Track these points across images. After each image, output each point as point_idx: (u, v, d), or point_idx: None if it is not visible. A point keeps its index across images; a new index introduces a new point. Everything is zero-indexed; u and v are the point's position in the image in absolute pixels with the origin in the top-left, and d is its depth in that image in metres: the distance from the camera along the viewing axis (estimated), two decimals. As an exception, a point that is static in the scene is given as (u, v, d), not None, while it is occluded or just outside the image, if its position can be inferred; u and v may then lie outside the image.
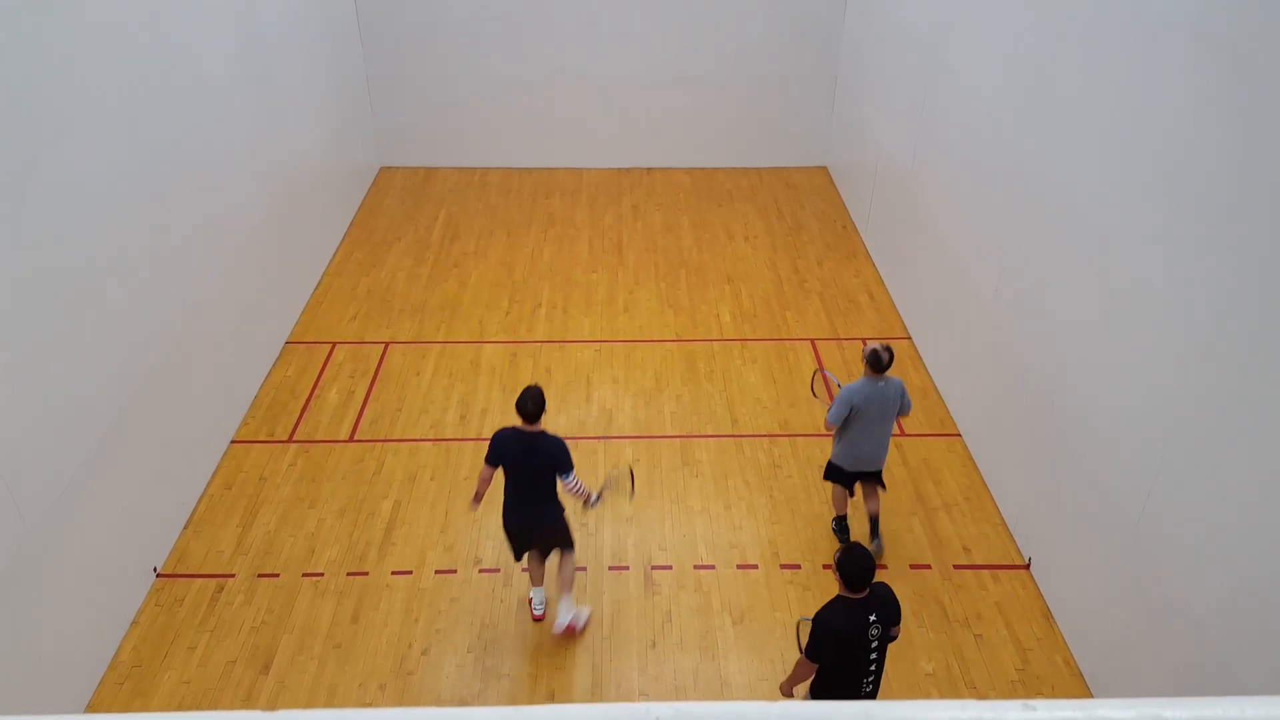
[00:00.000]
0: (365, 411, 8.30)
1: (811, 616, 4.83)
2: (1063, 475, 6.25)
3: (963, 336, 7.99)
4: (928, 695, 5.84)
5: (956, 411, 8.20)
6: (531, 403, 5.67)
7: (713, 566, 6.79)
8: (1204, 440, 4.79)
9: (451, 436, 8.01)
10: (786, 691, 5.17)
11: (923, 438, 8.03)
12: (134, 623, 6.29)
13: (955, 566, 6.80)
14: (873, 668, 4.78)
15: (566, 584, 6.17)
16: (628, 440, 7.98)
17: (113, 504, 6.05)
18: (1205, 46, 4.80)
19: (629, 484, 6.78)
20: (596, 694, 5.92)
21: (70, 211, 5.58)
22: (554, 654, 6.16)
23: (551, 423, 8.15)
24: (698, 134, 12.97)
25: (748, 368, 8.93)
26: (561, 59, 12.37)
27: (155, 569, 6.65)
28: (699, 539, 7.03)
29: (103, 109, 5.96)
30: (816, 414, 8.30)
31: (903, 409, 6.51)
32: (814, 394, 6.98)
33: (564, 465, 5.74)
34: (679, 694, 5.94)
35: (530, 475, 5.80)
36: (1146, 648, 5.30)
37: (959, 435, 8.03)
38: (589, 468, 7.68)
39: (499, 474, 5.89)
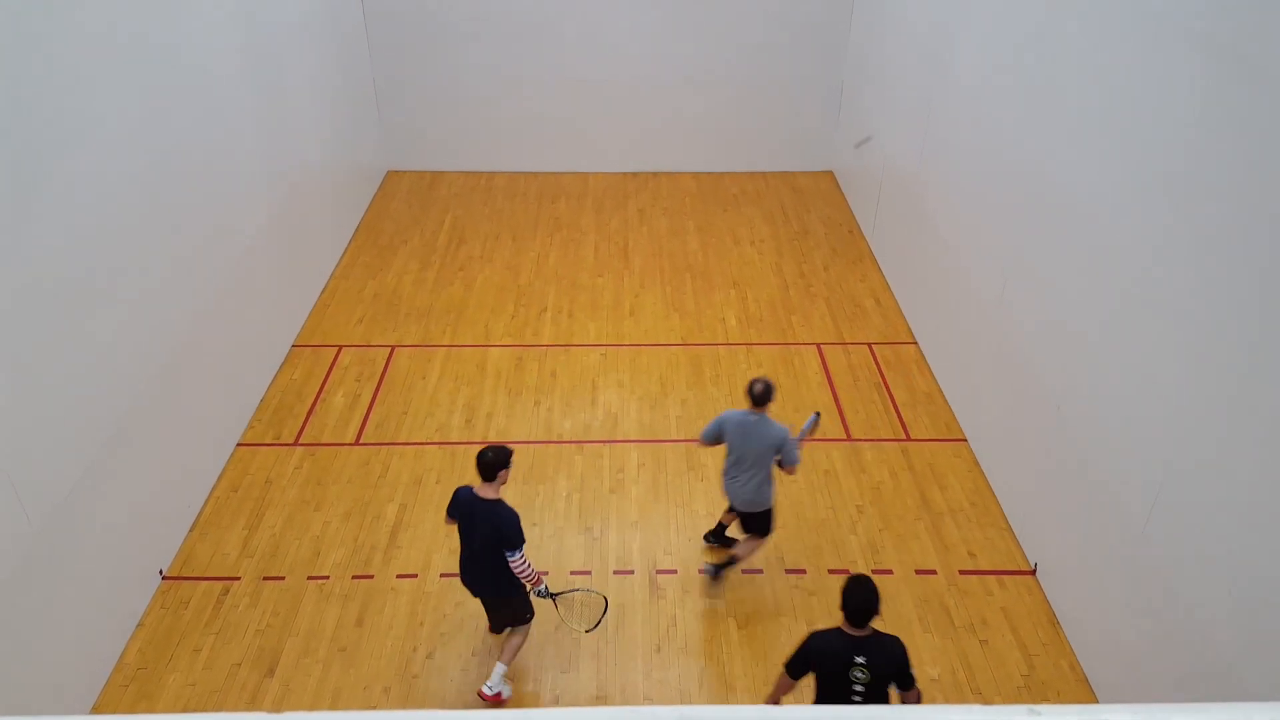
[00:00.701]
0: (371, 415, 8.31)
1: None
2: (1069, 480, 6.23)
3: (969, 341, 7.98)
4: (933, 701, 5.82)
5: (962, 416, 8.18)
6: (486, 463, 5.25)
7: (718, 571, 6.78)
8: (1211, 446, 4.77)
9: (457, 440, 8.02)
10: (770, 703, 5.03)
11: (928, 443, 8.02)
12: (139, 625, 6.31)
13: (961, 572, 6.78)
14: (855, 700, 4.50)
15: (508, 655, 5.76)
16: (633, 444, 7.99)
17: (119, 506, 6.07)
18: (1211, 50, 4.79)
19: (598, 615, 6.02)
20: (601, 698, 5.92)
21: (78, 216, 5.61)
22: (558, 657, 6.15)
23: (557, 427, 8.17)
24: (704, 138, 12.98)
25: (753, 372, 8.92)
26: (568, 63, 12.39)
27: (161, 571, 6.67)
28: (704, 544, 7.02)
29: (110, 114, 5.99)
30: (823, 419, 8.29)
31: (782, 460, 6.09)
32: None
33: (510, 541, 5.29)
34: (683, 698, 5.93)
35: (479, 542, 5.42)
36: (1153, 653, 5.28)
37: (965, 440, 8.01)
38: (594, 471, 7.68)
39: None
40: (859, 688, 4.48)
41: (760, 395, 5.99)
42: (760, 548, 6.65)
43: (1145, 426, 5.34)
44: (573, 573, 6.76)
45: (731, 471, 6.23)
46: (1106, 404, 5.76)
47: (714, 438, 6.23)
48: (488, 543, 5.38)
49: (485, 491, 5.38)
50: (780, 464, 6.13)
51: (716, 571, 6.59)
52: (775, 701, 4.98)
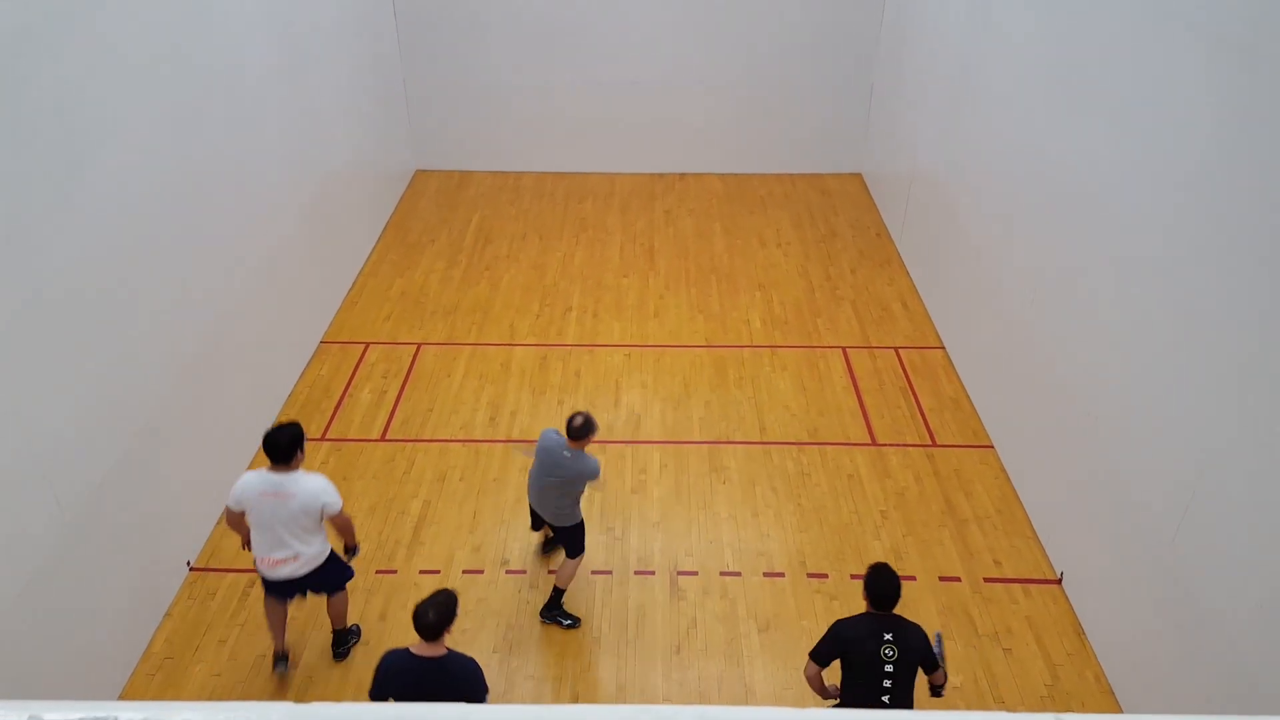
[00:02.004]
0: (397, 411, 8.38)
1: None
2: (1097, 489, 6.16)
3: (997, 346, 7.91)
4: (955, 708, 5.78)
5: (989, 422, 8.11)
6: (435, 613, 4.49)
7: (739, 573, 6.78)
8: (1243, 455, 4.71)
9: (481, 438, 8.06)
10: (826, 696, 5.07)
11: (955, 449, 7.96)
12: (167, 615, 6.39)
13: (985, 579, 6.73)
14: (886, 696, 4.63)
15: None
16: (655, 445, 7.99)
17: (149, 498, 6.15)
18: (1244, 54, 4.72)
19: None
20: (620, 698, 5.93)
21: (113, 215, 5.70)
22: (579, 657, 6.17)
23: (580, 426, 8.18)
24: (731, 140, 12.96)
25: (777, 375, 8.90)
26: (596, 65, 12.42)
27: (189, 563, 6.76)
28: (725, 546, 7.01)
29: (145, 116, 6.07)
30: (847, 423, 8.26)
31: (583, 475, 5.94)
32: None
33: (478, 695, 4.63)
34: (702, 700, 5.93)
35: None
36: (1179, 665, 5.21)
37: (991, 446, 7.94)
38: (615, 472, 7.69)
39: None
40: (889, 667, 4.61)
41: (579, 427, 5.88)
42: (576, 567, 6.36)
43: (1176, 435, 5.27)
44: (594, 572, 6.77)
45: (532, 474, 6.16)
46: (1137, 412, 5.69)
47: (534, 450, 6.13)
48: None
49: (429, 649, 4.58)
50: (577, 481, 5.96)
51: (548, 609, 6.39)
52: (828, 693, 4.99)
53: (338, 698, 5.85)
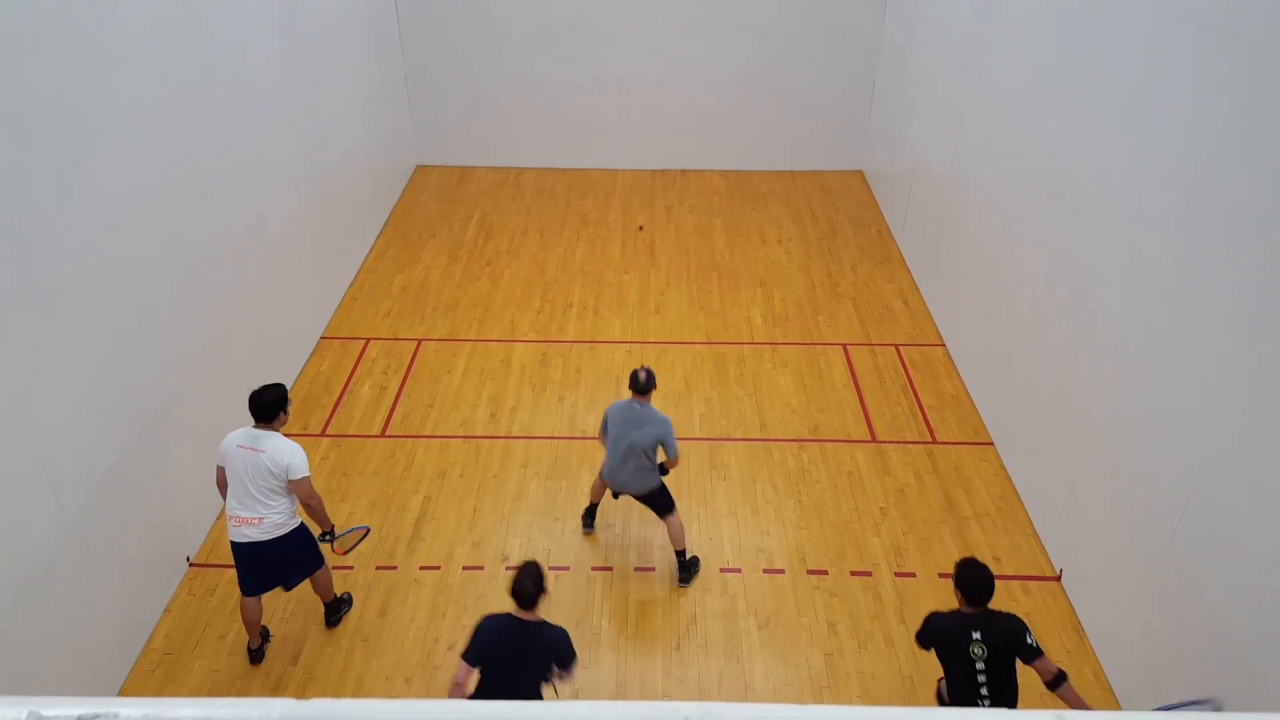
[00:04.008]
0: (397, 407, 8.38)
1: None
2: (1097, 486, 6.16)
3: (998, 344, 7.91)
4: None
5: (990, 420, 8.11)
6: (533, 583, 4.66)
7: (739, 570, 6.78)
8: (1242, 454, 4.70)
9: (482, 434, 8.06)
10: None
11: (955, 446, 7.96)
12: (167, 610, 6.40)
13: (985, 576, 6.72)
14: (984, 691, 4.62)
15: None
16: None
17: (149, 493, 6.16)
18: (1248, 52, 4.71)
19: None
20: (620, 694, 5.93)
21: (114, 207, 5.69)
22: (579, 652, 6.15)
23: (580, 423, 8.19)
24: (732, 136, 12.95)
25: (778, 372, 8.90)
26: (598, 60, 12.41)
27: (188, 558, 6.76)
28: (725, 542, 7.02)
29: (147, 107, 6.07)
30: (848, 420, 8.26)
31: (666, 449, 6.19)
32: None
33: (566, 662, 4.77)
34: (702, 696, 5.93)
35: (519, 676, 4.74)
36: (1178, 662, 5.21)
37: (991, 444, 7.94)
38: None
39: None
40: (980, 664, 4.62)
41: (644, 382, 6.19)
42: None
43: (1176, 433, 5.27)
44: (594, 568, 6.78)
45: (608, 451, 6.34)
46: (1137, 410, 5.69)
47: (603, 422, 6.38)
48: (534, 672, 4.75)
49: (529, 615, 4.73)
50: (665, 451, 6.23)
51: (681, 569, 6.61)
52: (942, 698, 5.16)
53: (338, 694, 5.85)
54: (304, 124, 8.82)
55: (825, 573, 6.76)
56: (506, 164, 13.19)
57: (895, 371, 8.92)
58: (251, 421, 5.61)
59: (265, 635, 6.11)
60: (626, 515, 7.22)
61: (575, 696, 5.88)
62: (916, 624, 6.27)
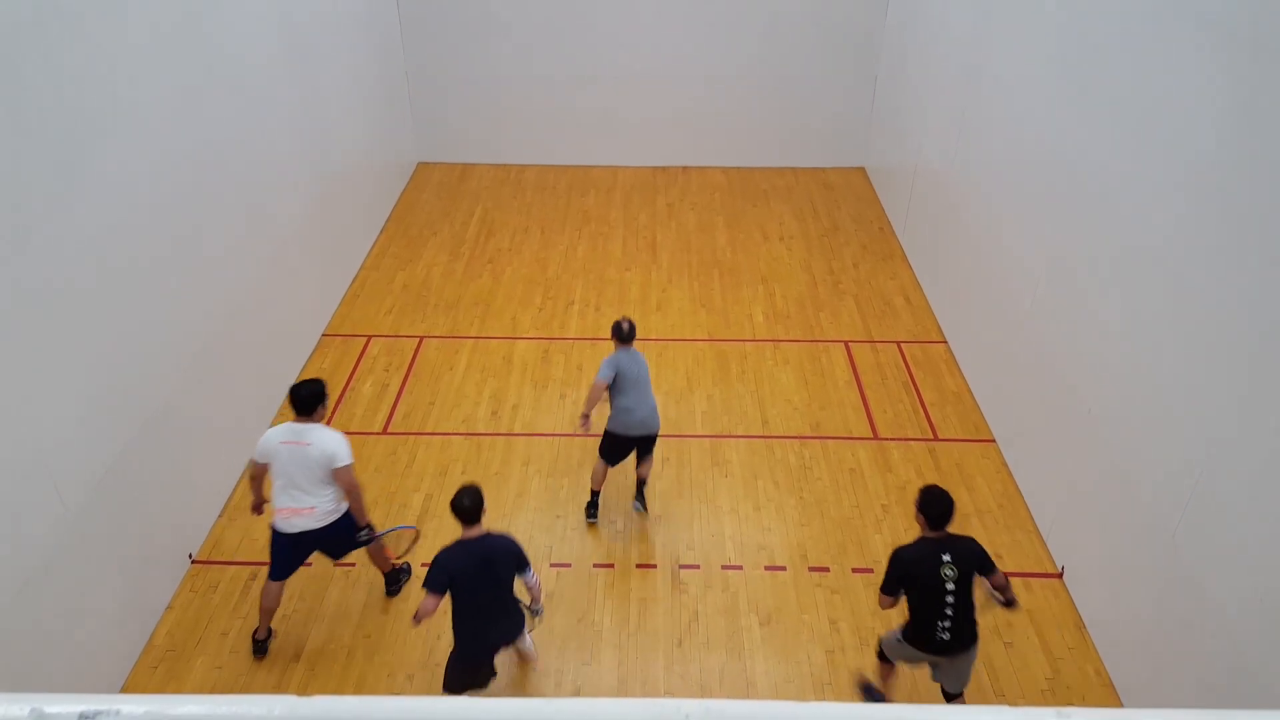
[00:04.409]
0: (399, 405, 8.38)
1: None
2: (1099, 483, 6.16)
3: (1000, 341, 7.91)
4: (956, 702, 5.78)
5: (991, 417, 8.11)
6: (469, 499, 5.02)
7: (740, 567, 6.78)
8: (1244, 451, 4.70)
9: (483, 431, 8.07)
10: (882, 653, 5.47)
11: (957, 443, 7.96)
12: (169, 607, 6.41)
13: (986, 573, 6.73)
14: (949, 611, 4.87)
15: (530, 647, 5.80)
16: (659, 439, 7.97)
17: (151, 491, 6.16)
18: (1248, 47, 4.70)
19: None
20: (622, 691, 5.93)
21: (115, 205, 5.69)
22: (580, 650, 6.18)
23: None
24: (734, 133, 12.94)
25: (780, 369, 8.90)
26: (599, 57, 12.40)
27: (191, 555, 6.77)
28: (727, 539, 7.02)
29: (148, 105, 6.07)
30: (849, 417, 8.26)
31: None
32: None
33: (524, 559, 5.20)
34: (704, 693, 5.94)
35: (489, 587, 5.12)
36: (1180, 660, 5.21)
37: (993, 441, 7.94)
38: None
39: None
40: (950, 585, 4.85)
41: (629, 331, 6.60)
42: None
43: (1178, 431, 5.27)
44: (596, 565, 6.78)
45: (634, 404, 6.60)
46: (1139, 406, 5.68)
47: (612, 376, 6.56)
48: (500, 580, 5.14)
49: (474, 531, 5.09)
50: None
51: (641, 496, 7.14)
52: (887, 664, 5.42)
53: (340, 691, 5.86)
54: (305, 122, 8.82)
55: (827, 570, 6.76)
56: (508, 161, 13.18)
57: (897, 368, 8.91)
58: (291, 417, 5.77)
59: (270, 631, 6.13)
60: (628, 512, 7.23)
61: (577, 693, 5.88)
62: (918, 621, 6.29)
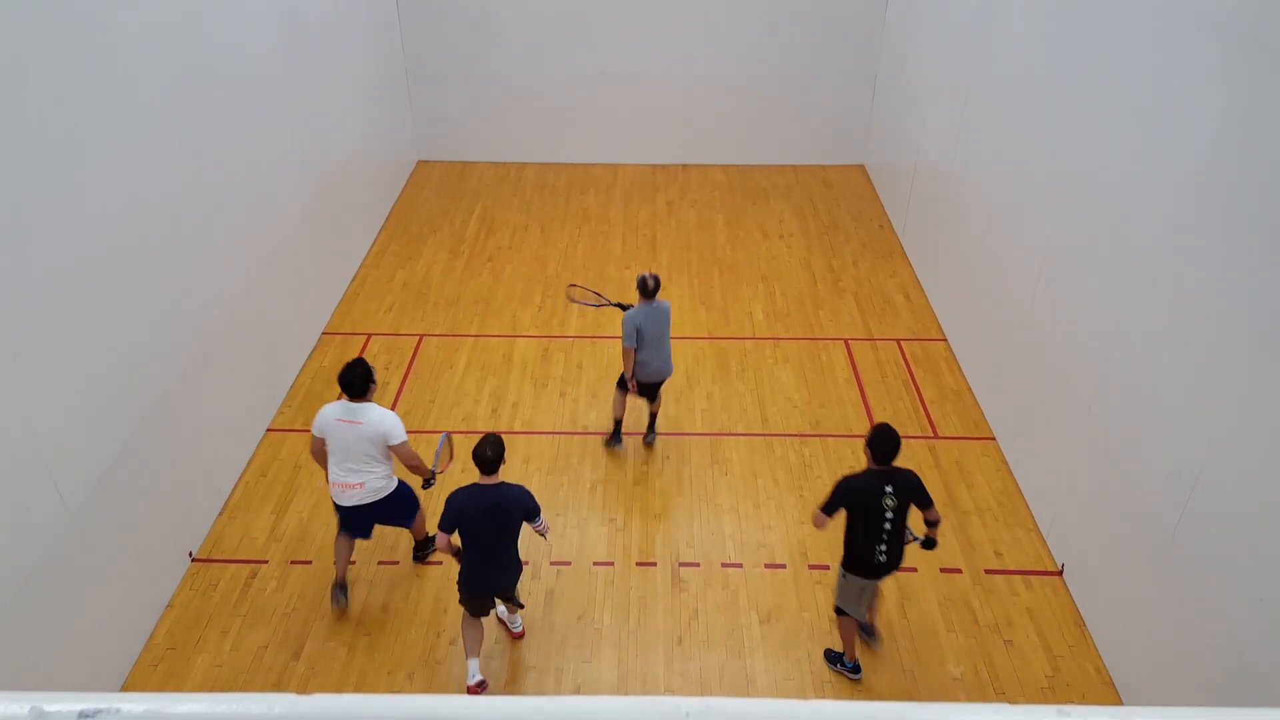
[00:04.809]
0: (399, 403, 8.38)
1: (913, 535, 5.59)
2: (1099, 481, 6.16)
3: (1000, 339, 7.91)
4: (955, 699, 5.79)
5: (991, 415, 8.11)
6: (491, 449, 5.31)
7: (740, 565, 6.79)
8: (1245, 448, 4.70)
9: (483, 429, 8.06)
10: (817, 523, 5.60)
11: (956, 440, 7.96)
12: (169, 606, 6.41)
13: (986, 571, 6.73)
14: (885, 536, 5.37)
15: (514, 612, 6.18)
16: (658, 436, 7.98)
17: (151, 489, 6.16)
18: (1248, 46, 4.70)
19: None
20: (622, 688, 5.94)
21: (115, 203, 5.69)
22: (580, 647, 6.18)
23: (582, 419, 8.20)
24: (734, 131, 12.93)
25: (780, 367, 8.89)
26: (599, 55, 12.39)
27: (191, 554, 6.77)
28: (727, 537, 7.02)
29: (148, 103, 6.06)
30: (849, 415, 8.26)
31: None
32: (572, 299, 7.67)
33: (535, 509, 5.50)
34: (704, 691, 5.94)
35: (495, 533, 5.47)
36: (1180, 657, 5.21)
37: (993, 438, 7.94)
38: (617, 463, 7.70)
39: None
40: (889, 514, 5.32)
41: (655, 286, 7.10)
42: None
43: (1178, 428, 5.27)
44: (596, 563, 6.79)
45: (652, 355, 7.23)
46: (1139, 405, 5.68)
47: (634, 336, 7.11)
48: (506, 526, 5.49)
49: (490, 480, 5.40)
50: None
51: (653, 429, 7.84)
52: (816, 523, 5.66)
53: (340, 689, 5.87)
54: (305, 120, 8.82)
55: (827, 567, 6.76)
56: (508, 159, 13.17)
57: (897, 366, 8.91)
58: (342, 397, 5.95)
59: (344, 584, 6.38)
60: (629, 509, 7.23)
61: (577, 691, 5.89)
62: (917, 619, 6.31)
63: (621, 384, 7.50)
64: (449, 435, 6.37)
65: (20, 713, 1.08)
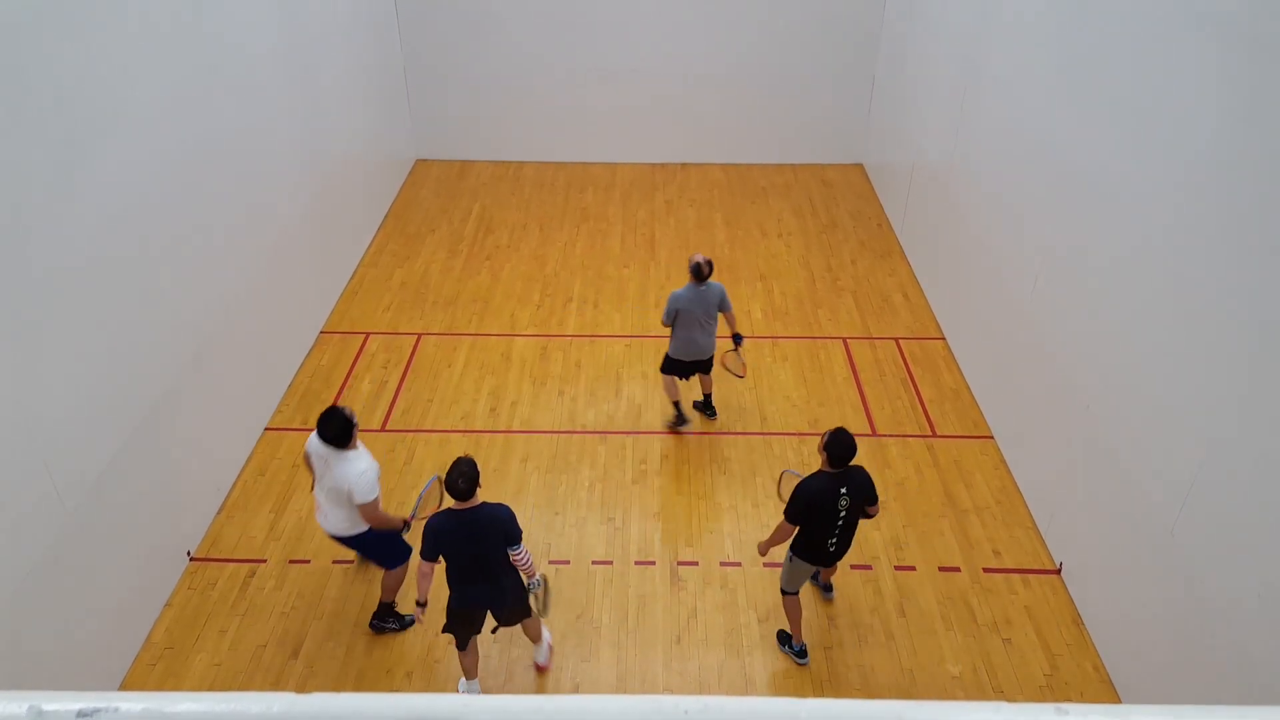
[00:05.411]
0: (397, 401, 8.37)
1: (795, 470, 6.04)
2: (1097, 480, 6.16)
3: (998, 338, 7.91)
4: (954, 698, 5.79)
5: (990, 413, 8.11)
6: (464, 480, 5.05)
7: (739, 564, 6.78)
8: (1242, 446, 4.70)
9: (482, 428, 8.06)
10: (763, 551, 6.02)
11: (955, 439, 7.96)
12: (167, 605, 6.40)
13: (985, 570, 6.74)
14: (836, 533, 5.63)
15: (538, 632, 5.90)
16: (656, 436, 7.99)
17: (149, 488, 6.16)
18: (1247, 43, 4.70)
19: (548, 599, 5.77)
20: (620, 687, 5.94)
21: (114, 202, 5.68)
22: (579, 646, 6.18)
23: (580, 418, 8.19)
24: (733, 130, 12.93)
25: (778, 366, 8.89)
26: (597, 54, 12.38)
27: (189, 553, 6.76)
28: (726, 536, 7.02)
29: (147, 102, 6.05)
30: (848, 414, 8.26)
31: (723, 307, 7.48)
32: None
33: (515, 535, 5.24)
34: (703, 690, 5.94)
35: (480, 556, 5.25)
36: (1179, 656, 5.22)
37: (991, 437, 7.94)
38: (616, 462, 7.70)
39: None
40: (843, 514, 5.58)
41: (709, 271, 7.29)
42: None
43: (1176, 426, 5.27)
44: (594, 562, 6.78)
45: (695, 334, 7.45)
46: (1138, 404, 5.69)
47: (673, 314, 7.38)
48: (494, 549, 5.24)
49: (466, 505, 5.16)
50: (721, 309, 7.54)
51: (711, 405, 8.13)
52: (768, 548, 5.98)
53: (339, 688, 5.86)
54: (303, 118, 8.81)
55: (825, 566, 6.76)
56: (506, 158, 13.16)
57: (895, 365, 8.91)
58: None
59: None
60: (627, 509, 7.23)
61: (576, 690, 5.89)
62: (916, 618, 6.31)
63: (664, 367, 7.76)
64: (437, 478, 5.85)
65: (18, 712, 1.07)
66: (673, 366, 7.75)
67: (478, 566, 5.29)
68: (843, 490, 5.52)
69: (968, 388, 8.56)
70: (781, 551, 6.03)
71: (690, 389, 8.30)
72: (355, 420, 5.59)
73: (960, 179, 8.93)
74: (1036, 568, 6.75)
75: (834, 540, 5.68)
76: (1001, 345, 7.82)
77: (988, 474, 7.58)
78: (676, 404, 7.99)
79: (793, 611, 6.02)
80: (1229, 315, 4.83)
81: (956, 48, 9.10)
